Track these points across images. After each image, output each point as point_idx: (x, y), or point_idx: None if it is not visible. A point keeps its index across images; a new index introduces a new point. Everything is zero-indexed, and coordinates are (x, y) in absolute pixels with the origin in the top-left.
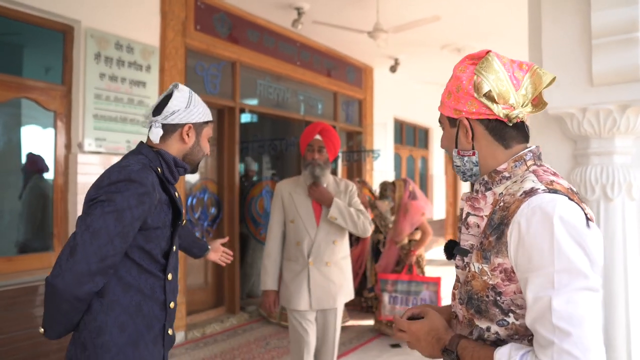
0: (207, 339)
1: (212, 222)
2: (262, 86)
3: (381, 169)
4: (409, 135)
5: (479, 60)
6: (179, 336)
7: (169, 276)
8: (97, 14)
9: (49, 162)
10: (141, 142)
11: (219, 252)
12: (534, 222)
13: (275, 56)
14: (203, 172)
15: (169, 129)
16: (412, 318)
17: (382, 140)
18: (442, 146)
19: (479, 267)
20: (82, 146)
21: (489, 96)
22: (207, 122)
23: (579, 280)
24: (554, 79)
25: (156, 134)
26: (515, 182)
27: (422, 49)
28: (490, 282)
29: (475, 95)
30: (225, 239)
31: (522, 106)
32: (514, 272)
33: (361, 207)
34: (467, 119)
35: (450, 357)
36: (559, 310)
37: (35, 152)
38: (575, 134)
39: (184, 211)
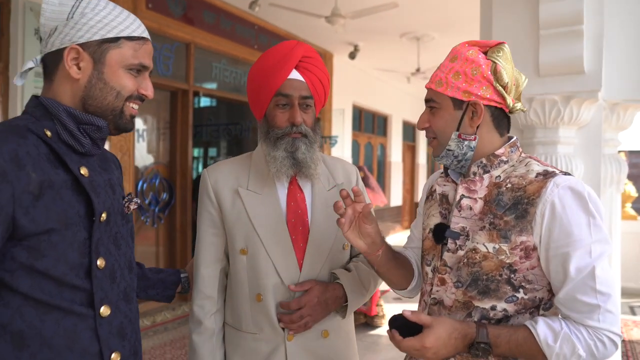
0: (158, 327)
1: (163, 208)
2: (218, 69)
3: (339, 156)
4: (368, 122)
5: (485, 48)
6: None
7: (103, 310)
8: None
9: None
10: (32, 96)
11: None
12: (568, 200)
13: (232, 39)
14: (155, 156)
15: (50, 63)
16: (398, 328)
17: (339, 127)
18: (435, 127)
19: (494, 247)
20: None
21: (504, 86)
22: (116, 39)
23: (607, 247)
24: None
25: (22, 69)
26: (512, 166)
27: (381, 36)
28: (507, 261)
29: (494, 82)
30: None
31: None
32: (533, 249)
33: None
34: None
35: (480, 349)
36: (600, 276)
37: None
38: (522, 123)
39: (123, 200)
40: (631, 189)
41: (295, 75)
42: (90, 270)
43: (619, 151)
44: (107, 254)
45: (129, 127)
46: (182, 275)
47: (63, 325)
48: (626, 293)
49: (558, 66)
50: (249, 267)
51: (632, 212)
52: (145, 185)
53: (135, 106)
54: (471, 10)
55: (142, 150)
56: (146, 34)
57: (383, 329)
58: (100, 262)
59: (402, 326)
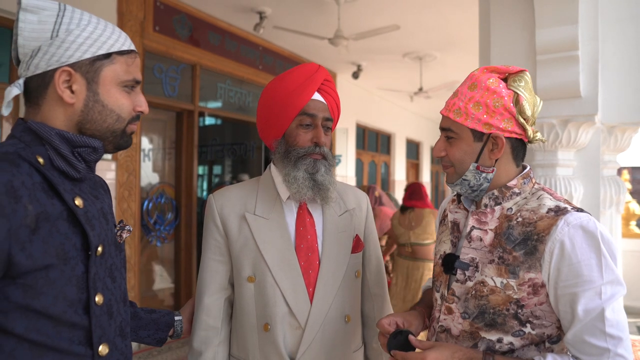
0: (162, 347)
1: (168, 227)
2: (223, 90)
3: (343, 175)
4: (371, 141)
5: (504, 74)
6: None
7: (102, 348)
8: None
9: None
10: (18, 119)
11: None
12: (579, 240)
13: (236, 60)
14: (161, 175)
15: (36, 86)
16: (398, 348)
17: (343, 146)
18: (452, 157)
19: (502, 282)
20: None
21: (526, 118)
22: (108, 55)
23: (619, 289)
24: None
25: (7, 98)
26: (525, 198)
27: (384, 56)
28: (515, 297)
29: (516, 114)
30: None
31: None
32: (542, 286)
33: (379, 251)
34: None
35: None
36: (610, 319)
37: None
38: None
39: (115, 229)
40: (635, 207)
41: (317, 97)
42: (88, 306)
43: (623, 168)
44: (104, 288)
45: (128, 144)
46: (176, 318)
47: None
48: (632, 312)
49: (555, 90)
50: (256, 295)
51: (637, 230)
52: (150, 205)
53: (135, 124)
54: (471, 30)
55: (147, 169)
56: (134, 47)
57: None
58: (98, 299)
59: (401, 347)
